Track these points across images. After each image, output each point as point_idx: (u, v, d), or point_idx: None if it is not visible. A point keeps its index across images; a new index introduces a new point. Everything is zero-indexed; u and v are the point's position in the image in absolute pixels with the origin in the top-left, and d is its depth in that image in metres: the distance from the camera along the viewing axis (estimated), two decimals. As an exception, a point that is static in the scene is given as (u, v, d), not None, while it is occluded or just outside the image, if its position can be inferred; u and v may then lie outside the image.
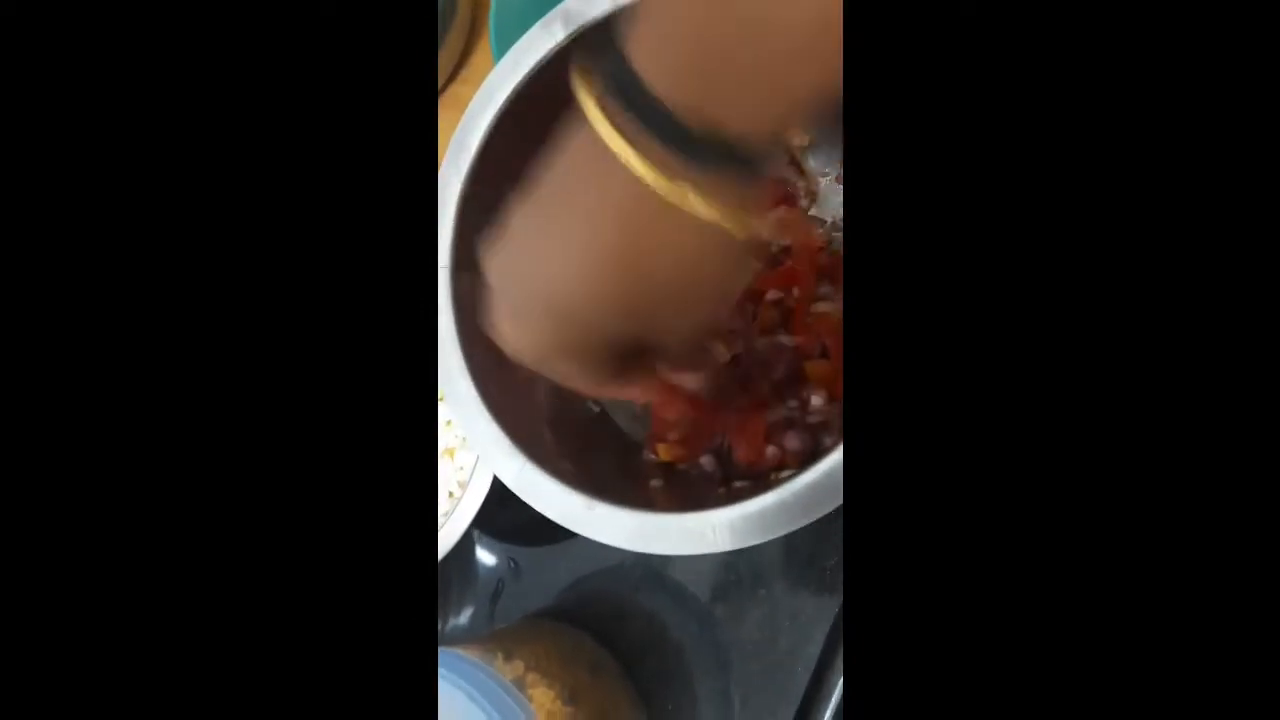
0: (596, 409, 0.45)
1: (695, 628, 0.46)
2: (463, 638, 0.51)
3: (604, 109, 0.24)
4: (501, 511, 0.45)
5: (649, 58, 0.23)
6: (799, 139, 0.30)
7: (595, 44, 0.24)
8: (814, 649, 0.42)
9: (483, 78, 0.44)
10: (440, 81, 0.53)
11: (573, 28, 0.37)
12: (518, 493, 0.35)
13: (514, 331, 0.28)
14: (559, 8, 0.37)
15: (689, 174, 0.23)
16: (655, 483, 0.42)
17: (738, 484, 0.40)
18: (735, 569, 0.45)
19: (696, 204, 0.23)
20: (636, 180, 0.23)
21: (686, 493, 0.41)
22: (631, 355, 0.30)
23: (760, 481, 0.39)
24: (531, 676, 0.40)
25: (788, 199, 0.43)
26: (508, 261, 0.28)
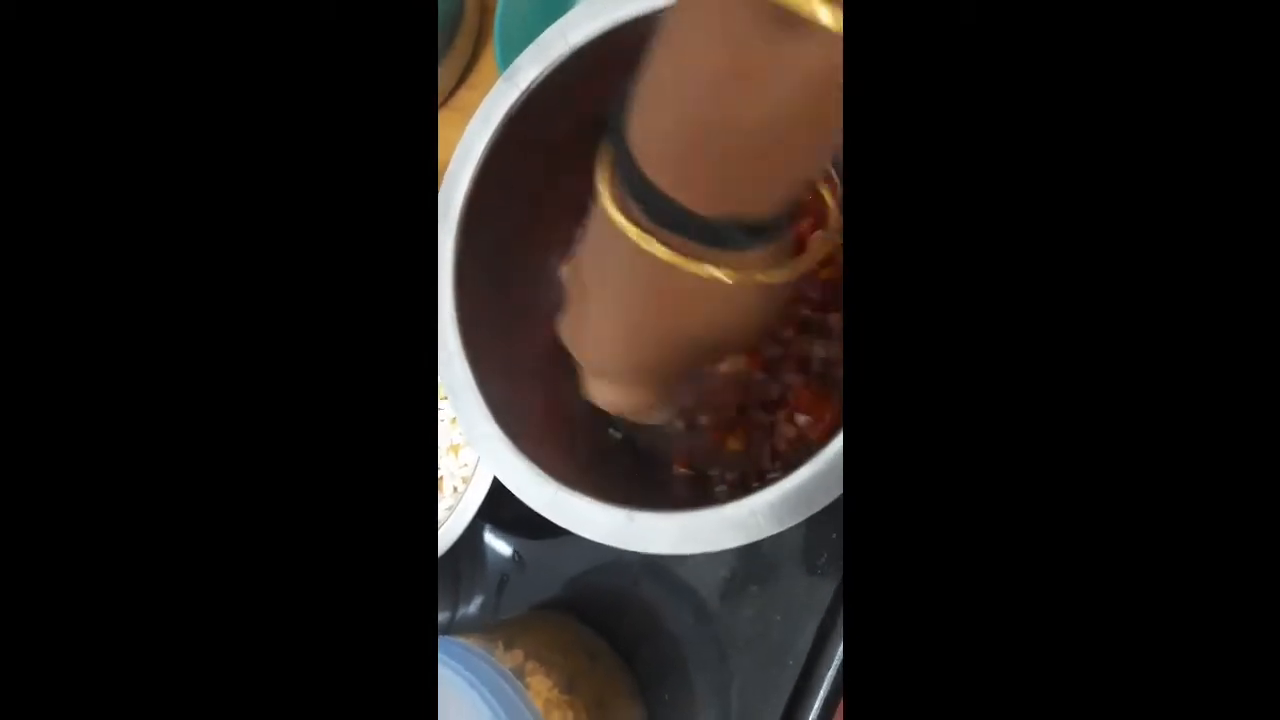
0: (619, 435, 0.45)
1: (692, 620, 0.47)
2: (467, 628, 0.53)
3: (617, 200, 0.25)
4: (505, 505, 0.46)
5: (654, 159, 0.23)
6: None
7: (610, 127, 0.24)
8: (804, 643, 0.43)
9: (490, 83, 0.45)
10: (448, 87, 0.54)
11: (574, 44, 0.37)
12: (554, 519, 0.36)
13: (608, 396, 0.32)
14: (559, 24, 0.38)
15: (708, 253, 0.24)
16: (684, 492, 0.42)
17: (771, 475, 0.41)
18: (730, 565, 0.46)
19: (719, 273, 0.24)
20: (662, 263, 0.24)
21: (717, 492, 0.42)
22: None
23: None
24: (530, 665, 0.41)
25: (816, 220, 0.43)
26: (578, 340, 0.31)
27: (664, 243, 0.24)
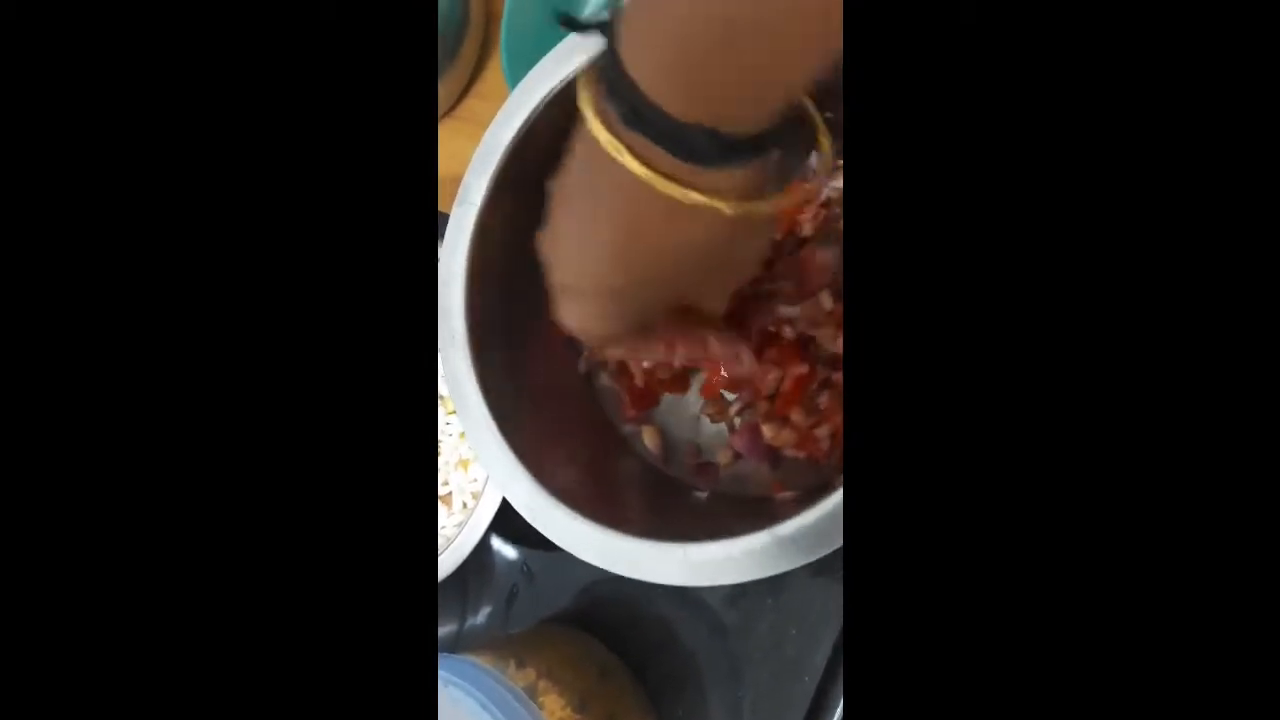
0: (636, 464, 0.46)
1: (706, 634, 0.46)
2: (478, 641, 0.52)
3: (600, 112, 0.25)
4: (515, 518, 0.46)
5: (639, 59, 0.23)
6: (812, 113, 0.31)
7: (603, 29, 0.24)
8: (820, 658, 0.42)
9: (496, 93, 0.44)
10: (454, 96, 0.53)
11: (506, 143, 0.38)
12: (617, 569, 0.35)
13: (575, 316, 0.30)
14: (492, 127, 0.38)
15: (682, 168, 0.24)
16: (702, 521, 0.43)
17: (784, 495, 0.41)
18: (744, 578, 0.46)
19: (690, 195, 0.24)
20: (633, 176, 0.24)
21: (747, 510, 0.42)
22: (677, 315, 0.32)
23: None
24: (543, 684, 0.41)
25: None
26: (553, 255, 0.30)
27: (637, 155, 0.24)
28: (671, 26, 0.22)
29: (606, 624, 0.48)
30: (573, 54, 0.38)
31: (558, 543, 0.36)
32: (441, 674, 0.37)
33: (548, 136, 0.39)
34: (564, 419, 0.44)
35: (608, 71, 0.24)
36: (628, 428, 0.46)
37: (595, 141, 0.25)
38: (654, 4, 0.23)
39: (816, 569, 0.44)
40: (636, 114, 0.23)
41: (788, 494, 0.42)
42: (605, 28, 0.24)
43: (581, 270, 0.29)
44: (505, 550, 0.52)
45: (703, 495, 0.44)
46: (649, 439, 0.45)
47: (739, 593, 0.46)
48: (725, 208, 0.25)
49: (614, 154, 0.24)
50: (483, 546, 0.52)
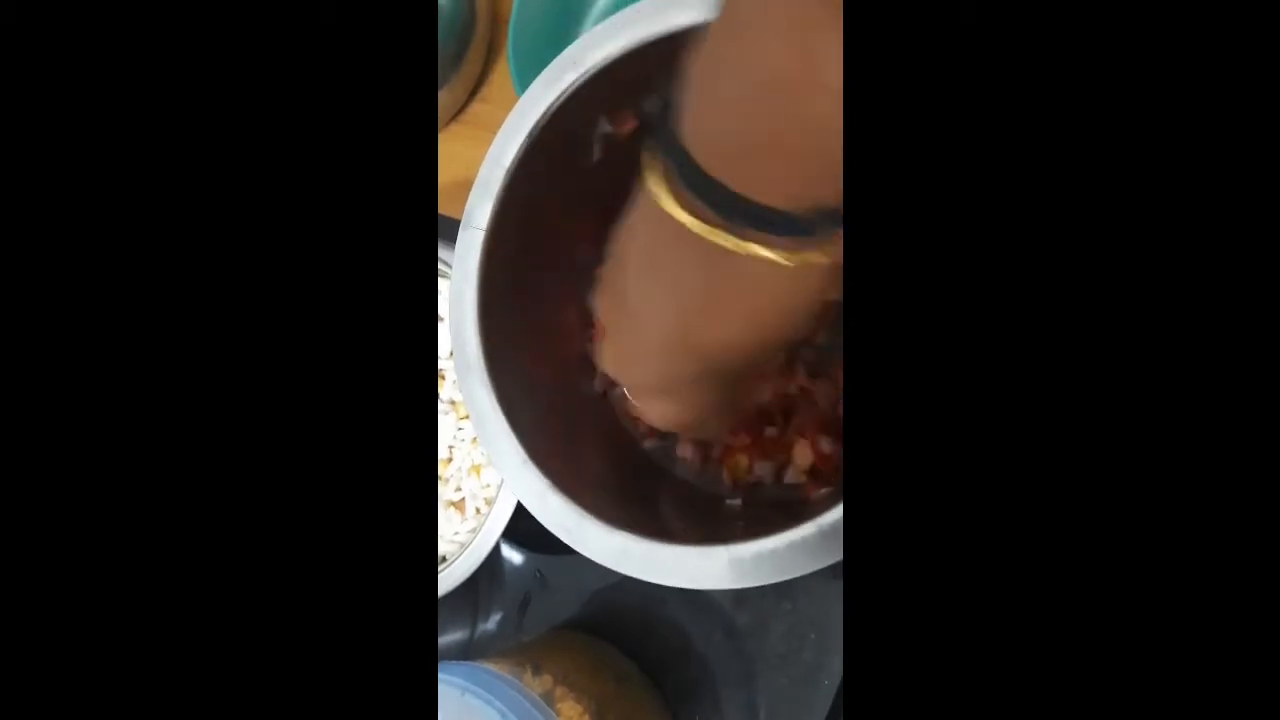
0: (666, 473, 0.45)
1: (721, 639, 0.46)
2: (490, 647, 0.52)
3: (670, 188, 0.26)
4: (528, 524, 0.46)
5: (700, 142, 0.25)
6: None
7: (656, 128, 0.26)
8: (839, 663, 0.42)
9: (503, 97, 0.44)
10: (460, 101, 0.53)
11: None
12: (662, 579, 0.35)
13: (657, 409, 0.32)
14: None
15: (746, 233, 0.25)
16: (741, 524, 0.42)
17: (820, 493, 0.41)
18: (760, 582, 0.46)
19: (756, 250, 0.25)
20: (703, 241, 0.26)
21: (785, 510, 0.41)
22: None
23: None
24: (560, 691, 0.40)
25: None
26: (622, 355, 0.31)
27: (707, 222, 0.25)
28: (730, 116, 0.24)
29: (620, 629, 0.48)
30: (579, 58, 0.37)
31: (595, 559, 0.36)
32: (460, 682, 0.37)
33: (549, 154, 0.40)
34: (588, 439, 0.44)
35: (675, 155, 0.25)
36: (649, 444, 0.46)
37: (681, 230, 0.26)
38: (727, 108, 0.24)
39: (835, 572, 0.44)
40: (732, 210, 0.25)
41: (823, 491, 0.42)
42: (661, 132, 0.26)
43: (666, 361, 0.30)
44: (518, 556, 0.52)
45: (736, 503, 0.44)
46: (683, 450, 0.45)
47: (755, 596, 0.46)
48: (817, 257, 0.26)
49: (709, 237, 0.25)
50: (495, 553, 0.51)
